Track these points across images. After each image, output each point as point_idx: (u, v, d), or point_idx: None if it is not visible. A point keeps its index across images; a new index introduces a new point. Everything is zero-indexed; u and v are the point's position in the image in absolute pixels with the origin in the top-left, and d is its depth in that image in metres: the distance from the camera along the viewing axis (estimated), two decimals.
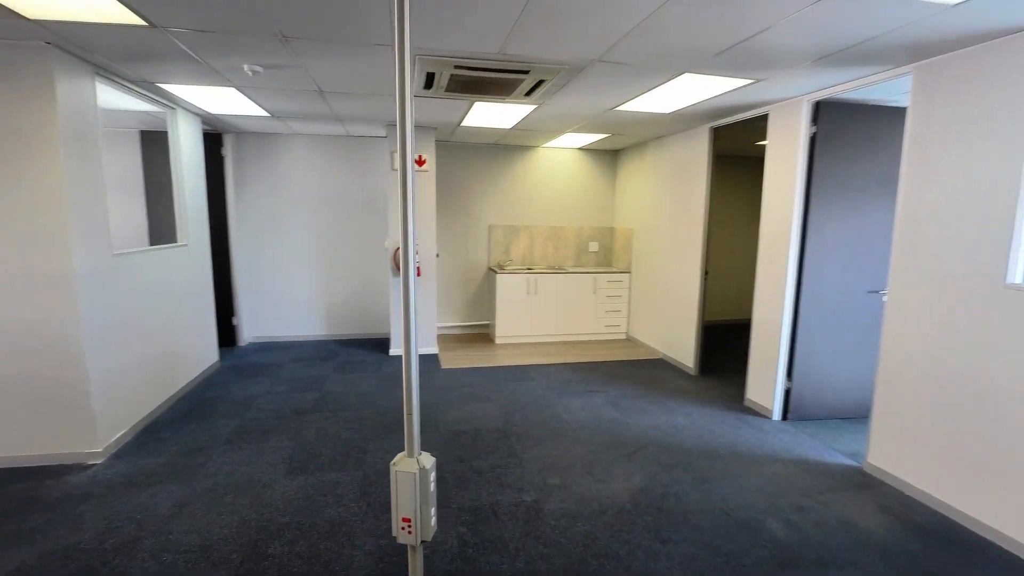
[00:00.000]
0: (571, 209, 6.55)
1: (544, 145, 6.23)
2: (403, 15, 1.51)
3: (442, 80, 3.30)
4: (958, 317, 2.59)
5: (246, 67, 3.10)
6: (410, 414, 1.78)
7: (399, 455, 1.79)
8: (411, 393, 1.76)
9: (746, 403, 4.18)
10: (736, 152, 6.59)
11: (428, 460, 1.80)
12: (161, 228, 5.22)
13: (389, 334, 6.12)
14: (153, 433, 3.47)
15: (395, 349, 5.46)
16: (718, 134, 4.69)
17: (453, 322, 6.43)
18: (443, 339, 6.15)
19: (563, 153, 6.42)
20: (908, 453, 2.85)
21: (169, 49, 2.77)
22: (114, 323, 3.28)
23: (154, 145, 5.16)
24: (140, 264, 3.64)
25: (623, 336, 6.32)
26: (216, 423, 3.63)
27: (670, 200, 5.33)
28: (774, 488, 2.88)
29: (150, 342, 3.72)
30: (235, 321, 5.68)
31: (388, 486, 2.84)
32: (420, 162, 5.21)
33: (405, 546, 2.30)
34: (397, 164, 4.95)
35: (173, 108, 4.16)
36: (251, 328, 5.87)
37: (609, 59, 2.87)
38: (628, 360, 5.40)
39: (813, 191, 3.58)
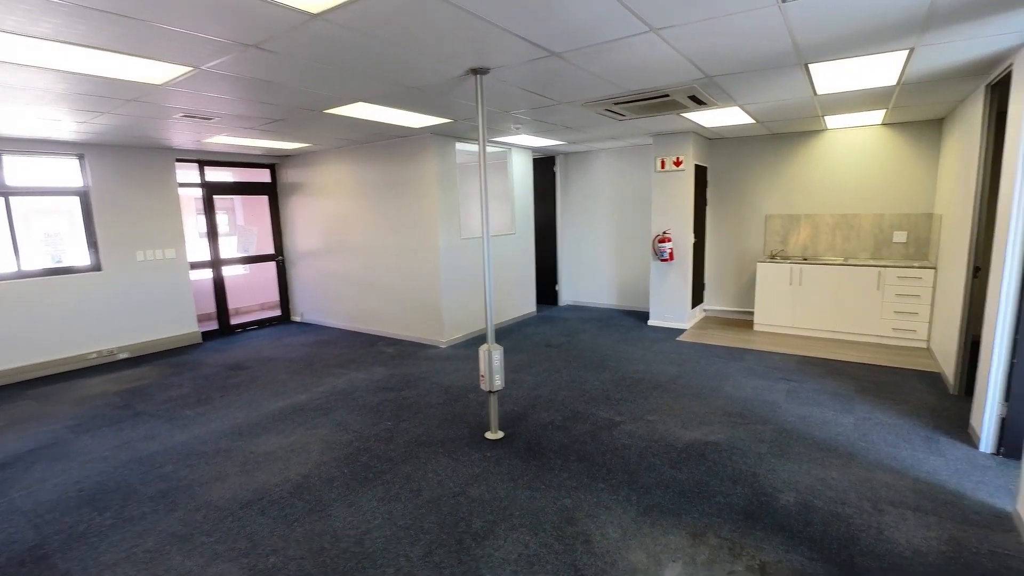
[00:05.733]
0: (869, 195, 5.81)
1: (831, 127, 5.82)
2: (479, 100, 3.09)
3: (619, 110, 4.40)
4: None
5: (512, 126, 5.11)
6: (488, 325, 3.37)
7: (485, 344, 3.41)
8: (489, 308, 3.34)
9: (968, 431, 3.43)
10: None
11: (497, 349, 3.36)
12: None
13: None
14: (472, 341, 6.06)
15: (652, 320, 6.58)
16: (999, 92, 3.68)
17: (723, 306, 6.88)
18: (708, 320, 6.76)
19: (858, 133, 5.77)
20: None
21: (463, 128, 5.07)
22: (458, 276, 5.98)
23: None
24: (479, 245, 6.26)
25: (921, 344, 5.29)
26: (501, 342, 5.92)
27: (956, 175, 4.34)
28: (836, 488, 2.85)
29: (480, 291, 6.34)
30: (557, 288, 8.03)
31: (537, 388, 4.38)
32: (677, 163, 6.09)
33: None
34: (658, 167, 6.12)
35: (509, 148, 6.66)
36: (568, 294, 8.12)
37: (712, 73, 3.42)
38: (890, 367, 4.75)
39: None
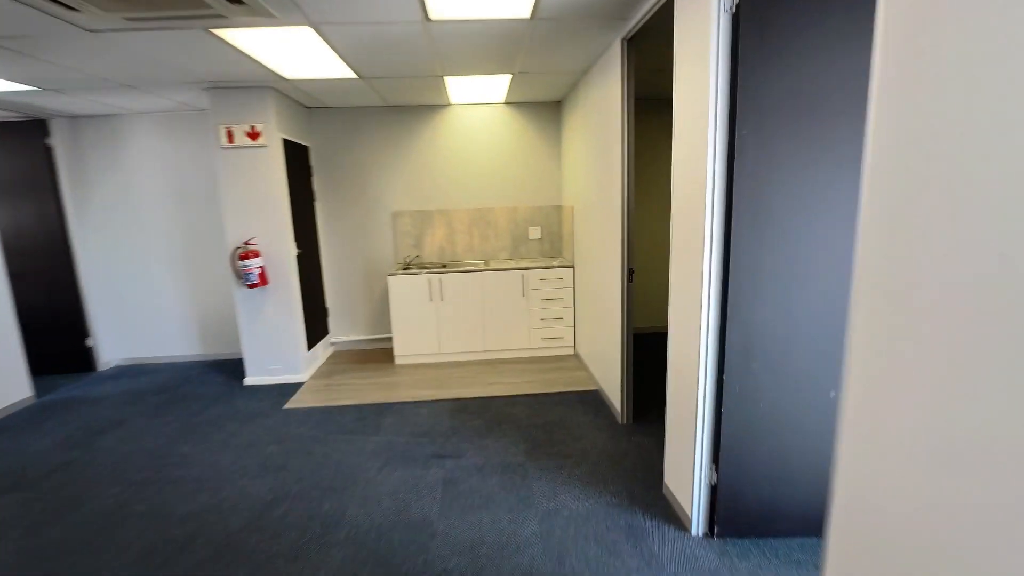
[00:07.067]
0: (501, 185, 5.00)
1: (456, 102, 4.72)
2: None
3: None
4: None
5: None
6: None
7: None
8: None
9: (664, 491, 2.56)
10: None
11: None
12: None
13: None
14: None
15: (250, 377, 4.30)
16: (636, 53, 2.98)
17: (357, 335, 5.16)
18: (337, 358, 4.90)
19: (483, 111, 4.85)
20: None
21: None
22: None
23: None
24: None
25: (570, 351, 4.74)
26: None
27: (593, 162, 3.69)
28: None
29: None
30: (90, 343, 4.79)
31: None
32: (253, 135, 3.94)
33: None
34: (224, 141, 3.78)
35: None
36: (116, 349, 4.96)
37: None
38: (551, 393, 3.85)
39: (739, 125, 1.89)
